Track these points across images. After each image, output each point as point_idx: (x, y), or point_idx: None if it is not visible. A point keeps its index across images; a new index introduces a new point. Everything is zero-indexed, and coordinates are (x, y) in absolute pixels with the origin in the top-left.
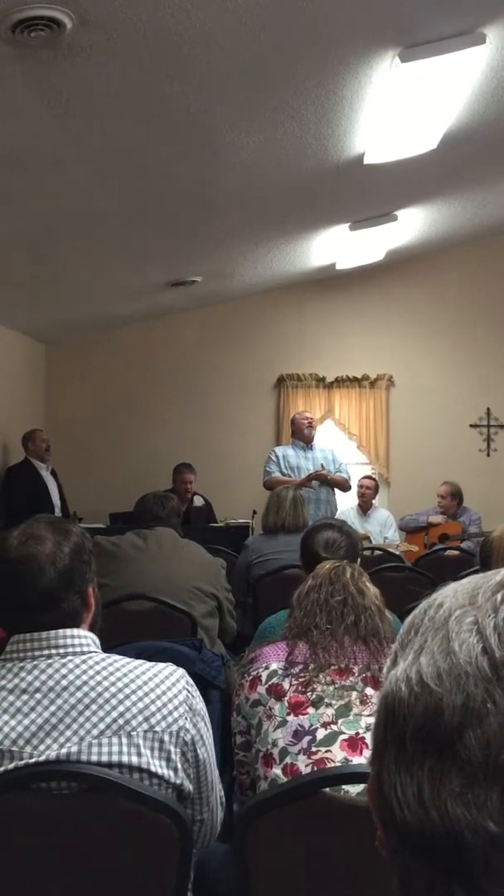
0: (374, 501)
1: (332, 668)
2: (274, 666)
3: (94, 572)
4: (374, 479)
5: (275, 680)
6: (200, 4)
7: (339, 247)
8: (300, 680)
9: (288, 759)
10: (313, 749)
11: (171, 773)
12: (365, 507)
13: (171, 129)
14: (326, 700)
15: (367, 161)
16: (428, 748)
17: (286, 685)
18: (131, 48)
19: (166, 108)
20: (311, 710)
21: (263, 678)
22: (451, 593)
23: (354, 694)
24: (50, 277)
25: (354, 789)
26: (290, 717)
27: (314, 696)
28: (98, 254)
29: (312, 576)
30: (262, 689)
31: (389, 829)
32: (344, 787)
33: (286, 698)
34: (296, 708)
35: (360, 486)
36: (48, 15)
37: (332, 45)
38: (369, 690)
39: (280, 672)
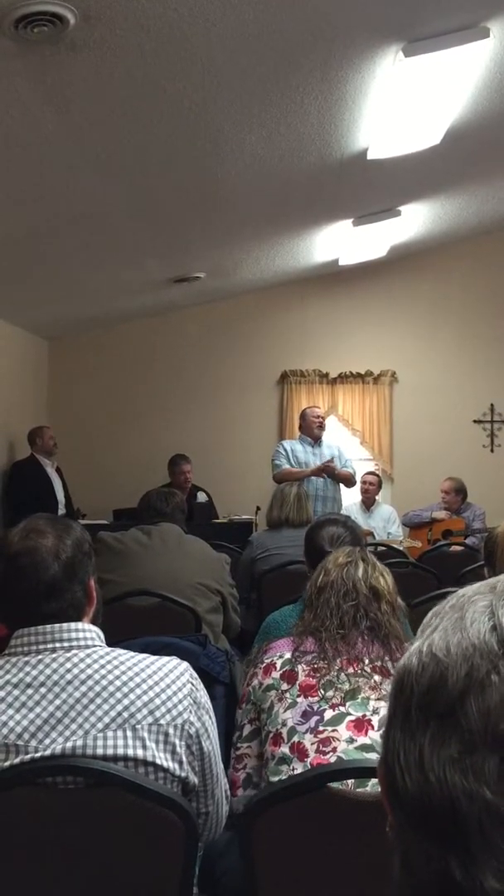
0: (377, 497)
1: (344, 657)
2: (288, 655)
3: (94, 566)
4: (377, 476)
5: (288, 667)
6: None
7: (342, 242)
8: (311, 666)
9: (295, 738)
10: (320, 728)
11: (177, 766)
12: (368, 503)
13: (173, 125)
14: (337, 685)
15: (370, 156)
16: (431, 715)
17: (299, 670)
18: (134, 43)
19: (169, 103)
20: (320, 692)
21: (278, 665)
22: (475, 585)
23: (363, 680)
24: (53, 274)
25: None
26: (301, 699)
27: (324, 680)
28: (101, 250)
29: (324, 570)
30: (276, 674)
31: (394, 803)
32: (349, 781)
33: (298, 681)
34: (306, 690)
35: (364, 483)
36: (51, 10)
37: (336, 41)
38: (378, 678)
39: (293, 660)
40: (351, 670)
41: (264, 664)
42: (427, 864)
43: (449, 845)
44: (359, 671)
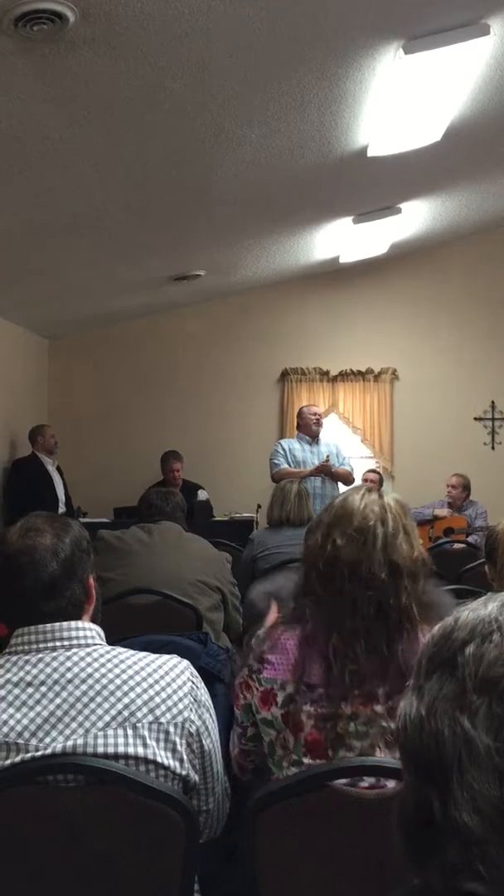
0: None
1: (355, 693)
2: (290, 689)
3: (93, 564)
4: (377, 473)
5: (291, 707)
6: None
7: (342, 240)
8: (319, 713)
9: None
10: None
11: (177, 764)
12: None
13: (173, 123)
14: (347, 741)
15: (370, 153)
16: (436, 665)
17: (304, 717)
18: (133, 41)
19: (169, 101)
20: (329, 752)
21: (279, 700)
22: None
23: (377, 730)
24: (53, 272)
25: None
26: (307, 760)
27: (333, 734)
28: (101, 248)
29: (331, 538)
30: (276, 711)
31: (401, 755)
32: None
33: (303, 734)
34: (313, 749)
35: (364, 480)
36: (51, 8)
37: (336, 38)
38: (394, 726)
39: (296, 699)
40: (363, 716)
41: (262, 689)
42: (415, 805)
43: (433, 782)
44: (371, 716)
